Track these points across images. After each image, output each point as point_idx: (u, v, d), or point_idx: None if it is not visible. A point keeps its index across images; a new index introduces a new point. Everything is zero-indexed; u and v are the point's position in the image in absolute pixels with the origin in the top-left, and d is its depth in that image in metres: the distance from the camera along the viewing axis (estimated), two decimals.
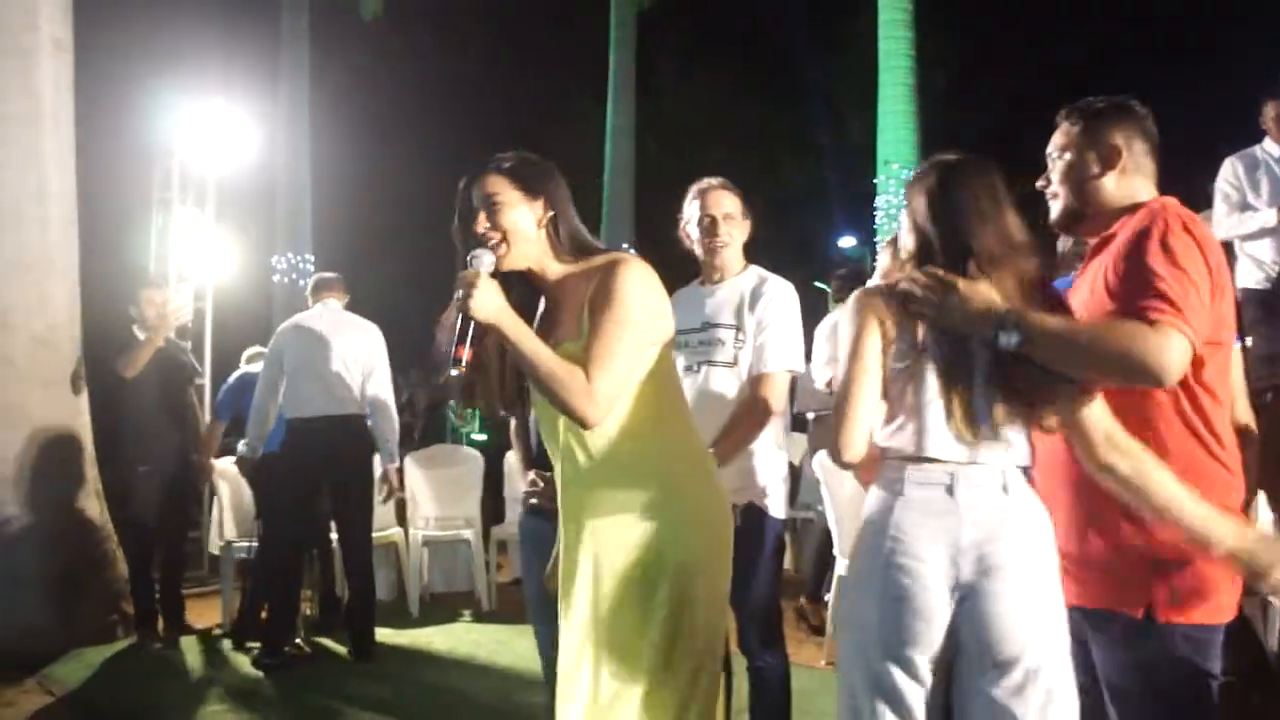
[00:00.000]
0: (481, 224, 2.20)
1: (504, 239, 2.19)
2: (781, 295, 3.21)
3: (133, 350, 5.57)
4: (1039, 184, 2.22)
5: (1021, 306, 1.93)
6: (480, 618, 6.22)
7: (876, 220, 11.94)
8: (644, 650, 2.12)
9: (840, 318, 3.40)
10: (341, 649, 5.44)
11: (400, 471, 5.69)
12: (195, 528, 7.07)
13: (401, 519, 6.56)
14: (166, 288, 6.11)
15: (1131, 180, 2.12)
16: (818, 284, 11.74)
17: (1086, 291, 2.07)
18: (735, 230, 3.25)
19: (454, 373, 2.08)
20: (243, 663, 5.18)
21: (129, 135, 9.70)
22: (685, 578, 2.14)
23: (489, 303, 2.03)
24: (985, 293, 1.95)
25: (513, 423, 4.17)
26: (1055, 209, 2.21)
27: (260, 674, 4.98)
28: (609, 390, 2.06)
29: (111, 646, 5.52)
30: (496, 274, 2.13)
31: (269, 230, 13.88)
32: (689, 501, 2.20)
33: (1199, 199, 4.88)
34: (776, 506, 3.16)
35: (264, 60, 14.36)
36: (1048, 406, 1.95)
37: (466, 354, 2.05)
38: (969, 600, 1.93)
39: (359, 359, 5.34)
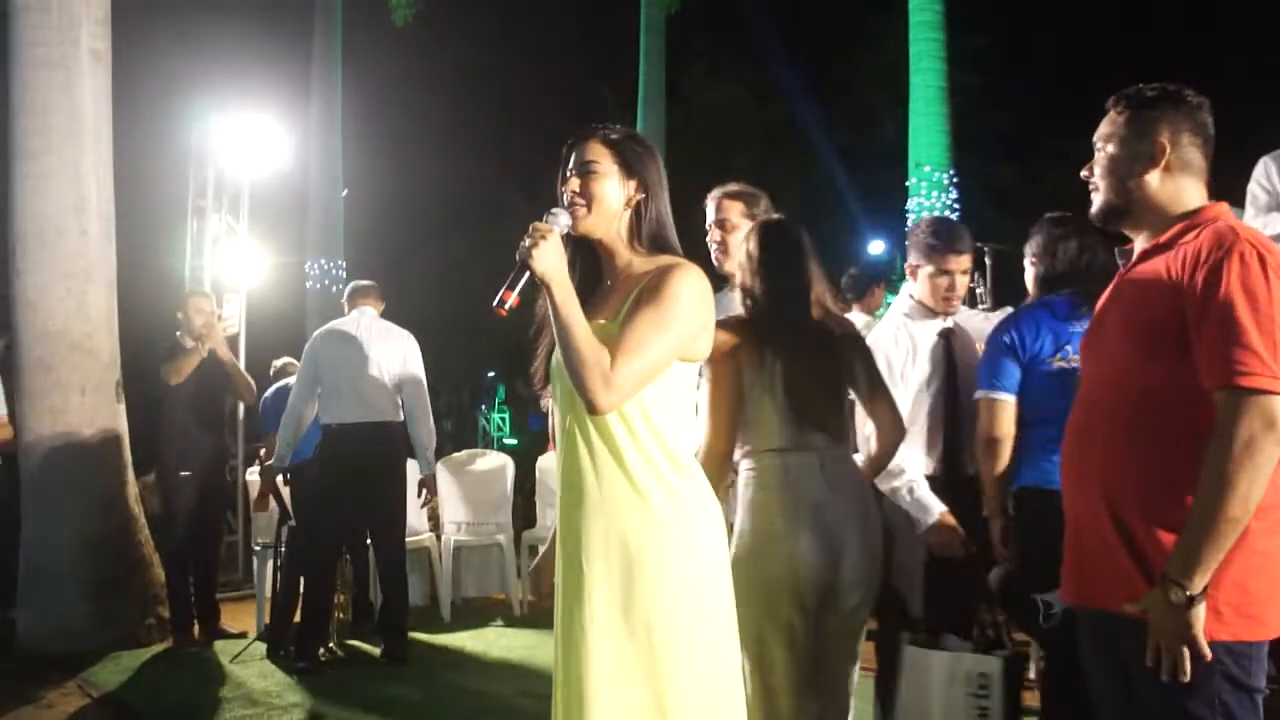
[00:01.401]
0: (572, 185, 2.16)
1: (588, 205, 2.15)
2: None
3: (178, 358, 5.66)
4: (1082, 174, 2.16)
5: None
6: (512, 622, 6.24)
7: (908, 224, 11.87)
8: (645, 666, 2.01)
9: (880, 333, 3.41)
10: (374, 653, 5.48)
11: (434, 477, 5.73)
12: (231, 532, 7.15)
13: (434, 524, 6.60)
14: (212, 297, 6.17)
15: (1177, 179, 2.03)
16: None
17: (1134, 297, 2.02)
18: (734, 236, 3.26)
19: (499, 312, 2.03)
20: (276, 667, 5.23)
21: (164, 144, 9.84)
22: (682, 595, 2.04)
23: (550, 258, 1.98)
24: None
25: (553, 418, 4.21)
26: (1095, 202, 2.13)
27: (293, 678, 5.03)
28: (628, 380, 1.98)
29: (149, 650, 5.61)
30: (569, 238, 2.12)
31: (301, 237, 13.98)
32: (688, 514, 2.08)
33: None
34: None
35: (297, 68, 14.49)
36: None
37: (513, 299, 2.01)
38: None
39: (394, 367, 5.37)
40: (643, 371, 2.00)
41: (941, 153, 11.70)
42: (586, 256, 2.23)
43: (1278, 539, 1.90)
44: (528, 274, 1.99)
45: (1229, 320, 1.83)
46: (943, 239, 3.37)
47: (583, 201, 2.14)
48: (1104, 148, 2.10)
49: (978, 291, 5.68)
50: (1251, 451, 1.79)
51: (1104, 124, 2.12)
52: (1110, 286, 2.17)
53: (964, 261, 3.37)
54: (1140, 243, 2.10)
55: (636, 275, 2.14)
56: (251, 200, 8.13)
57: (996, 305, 5.26)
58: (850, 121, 19.87)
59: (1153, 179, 2.03)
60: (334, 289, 13.86)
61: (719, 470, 2.70)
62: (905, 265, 3.53)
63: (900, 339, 3.36)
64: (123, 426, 6.00)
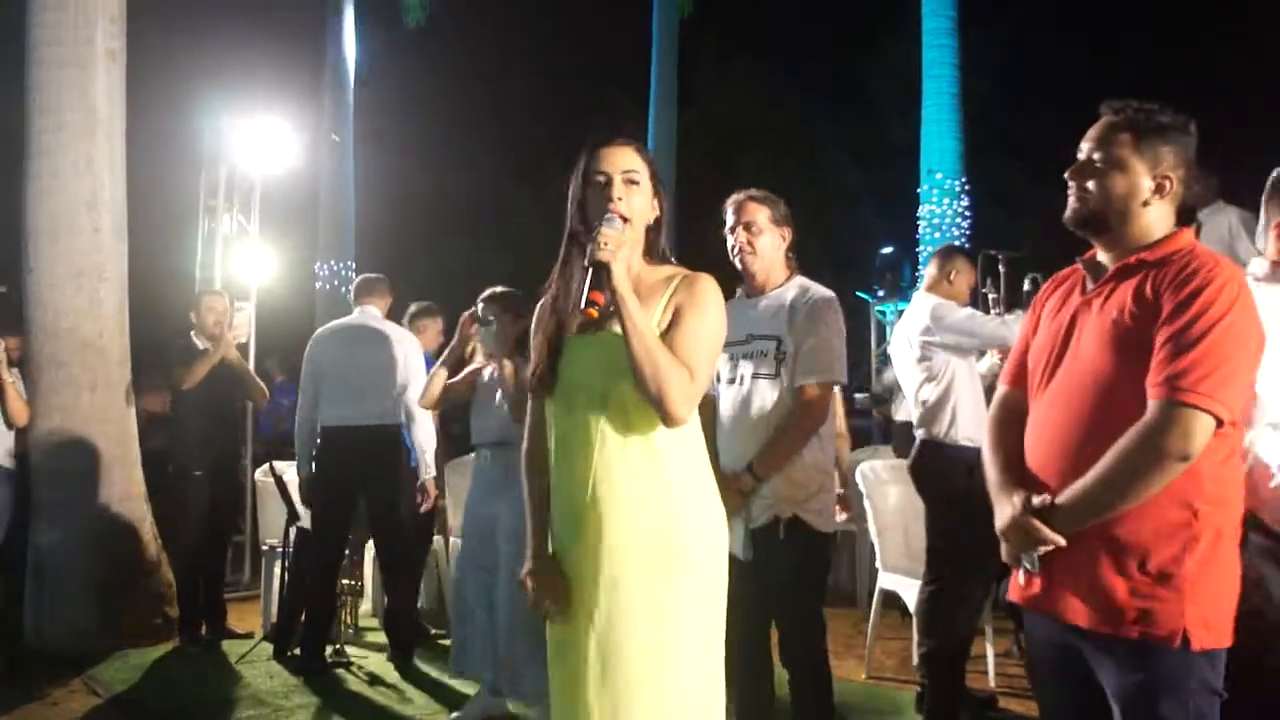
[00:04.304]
0: (619, 190, 2.16)
1: (632, 217, 2.17)
2: (824, 306, 3.19)
3: (192, 363, 5.63)
4: (1068, 175, 2.14)
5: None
6: None
7: (920, 230, 11.84)
8: (643, 646, 2.07)
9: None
10: (380, 655, 5.46)
11: (439, 480, 5.71)
12: (239, 532, 7.15)
13: (441, 527, 6.58)
14: (226, 295, 6.14)
15: (1168, 208, 2.09)
16: (859, 293, 11.66)
17: (1115, 313, 2.03)
18: (760, 240, 3.24)
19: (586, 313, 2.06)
20: (283, 667, 5.22)
21: (176, 143, 9.85)
22: (692, 581, 2.12)
23: (621, 264, 2.06)
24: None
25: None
26: (1079, 208, 2.12)
27: (299, 678, 5.02)
28: (698, 395, 2.09)
29: (157, 649, 5.59)
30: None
31: (312, 237, 14.00)
32: (699, 509, 2.17)
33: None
34: (821, 520, 3.14)
35: (310, 69, 14.52)
36: None
37: (601, 298, 2.04)
38: None
39: (392, 369, 5.31)
40: (704, 384, 2.13)
41: (954, 159, 11.69)
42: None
43: (1235, 549, 2.00)
44: (604, 274, 2.04)
45: (1190, 339, 1.90)
46: None
47: (628, 213, 2.16)
48: (1106, 163, 2.08)
49: (990, 297, 5.65)
50: (1159, 459, 1.89)
51: (1103, 134, 2.10)
52: (1067, 292, 2.20)
53: None
54: (1109, 256, 2.12)
55: (649, 284, 2.19)
56: (263, 200, 8.14)
57: (1009, 311, 5.23)
58: (862, 125, 19.86)
59: (1151, 208, 2.07)
60: (343, 289, 13.88)
61: None
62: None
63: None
64: (133, 425, 5.99)
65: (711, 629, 2.15)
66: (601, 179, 2.17)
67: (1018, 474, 2.14)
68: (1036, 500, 2.03)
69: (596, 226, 2.09)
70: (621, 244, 2.08)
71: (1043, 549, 2.03)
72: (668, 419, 2.05)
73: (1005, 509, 2.10)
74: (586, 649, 2.09)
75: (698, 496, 2.17)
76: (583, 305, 2.04)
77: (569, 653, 2.13)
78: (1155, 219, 2.08)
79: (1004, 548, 2.13)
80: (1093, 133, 2.12)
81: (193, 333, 5.85)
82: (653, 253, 2.25)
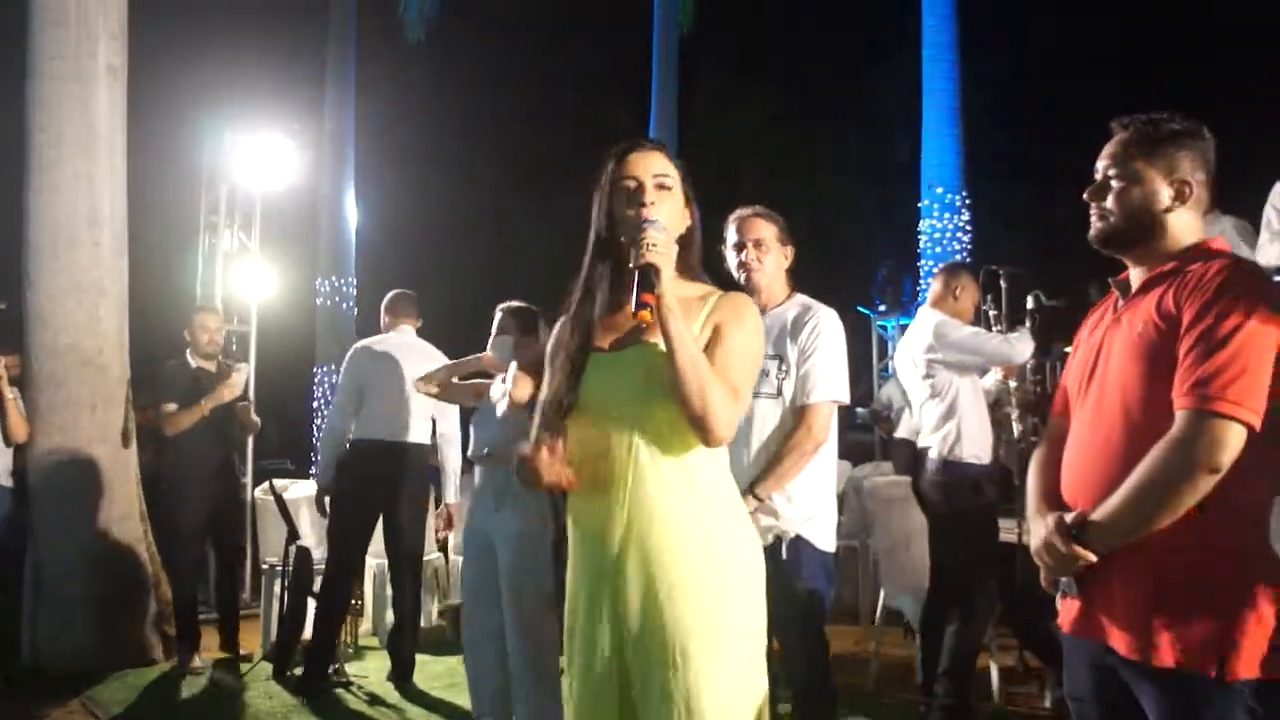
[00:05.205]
0: (652, 196, 2.05)
1: (666, 223, 2.05)
2: (825, 324, 3.17)
3: (181, 413, 5.54)
4: (1087, 196, 2.12)
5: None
6: None
7: (921, 245, 11.84)
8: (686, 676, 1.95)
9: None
10: (379, 674, 5.42)
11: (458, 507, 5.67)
12: (241, 553, 7.09)
13: (443, 544, 6.55)
14: (220, 313, 6.10)
15: (1193, 214, 2.05)
16: (860, 309, 11.64)
17: (1142, 326, 2.00)
18: (768, 257, 3.23)
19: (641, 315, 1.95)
20: (282, 687, 5.17)
21: (177, 159, 9.86)
22: (733, 609, 2.02)
23: (669, 266, 1.97)
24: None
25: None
26: (1102, 227, 2.10)
27: (299, 699, 4.97)
28: (740, 414, 2.02)
29: (155, 668, 5.56)
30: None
31: (313, 254, 14.02)
32: (732, 537, 2.06)
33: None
34: (824, 539, 3.12)
35: (311, 85, 14.57)
36: None
37: (654, 299, 1.93)
38: None
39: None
40: (745, 405, 2.06)
41: (954, 173, 11.69)
42: (614, 272, 2.12)
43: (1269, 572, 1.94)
44: (651, 276, 1.94)
45: (1213, 346, 1.86)
46: None
47: (662, 218, 2.05)
48: (1123, 178, 2.06)
49: (990, 314, 5.63)
50: (1190, 471, 1.84)
51: (1116, 150, 2.08)
52: (1102, 314, 2.17)
53: None
54: (1138, 272, 2.10)
55: (684, 300, 2.05)
56: (263, 217, 8.14)
57: (1011, 328, 5.22)
58: (863, 140, 19.89)
59: (1174, 215, 2.03)
60: (344, 306, 13.90)
61: None
62: None
63: None
64: (132, 444, 5.96)
65: (760, 661, 2.06)
66: (631, 184, 2.06)
67: (1052, 499, 2.10)
68: (1069, 518, 1.97)
69: (642, 228, 1.98)
70: (671, 246, 1.98)
71: (1078, 570, 1.97)
72: (710, 438, 1.95)
73: (1038, 529, 2.05)
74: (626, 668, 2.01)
75: (736, 525, 2.08)
76: (634, 309, 1.92)
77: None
78: (1182, 227, 2.04)
79: (1042, 573, 2.07)
80: (1105, 151, 2.11)
81: (188, 351, 5.76)
82: (685, 266, 2.11)
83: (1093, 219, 2.12)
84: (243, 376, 5.79)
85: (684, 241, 2.11)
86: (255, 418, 6.09)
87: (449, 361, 4.83)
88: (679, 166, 2.13)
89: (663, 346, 1.96)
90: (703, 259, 2.20)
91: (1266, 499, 1.98)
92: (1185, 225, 2.05)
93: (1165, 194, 2.03)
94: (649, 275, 1.92)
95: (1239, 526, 1.90)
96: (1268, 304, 1.89)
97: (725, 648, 1.97)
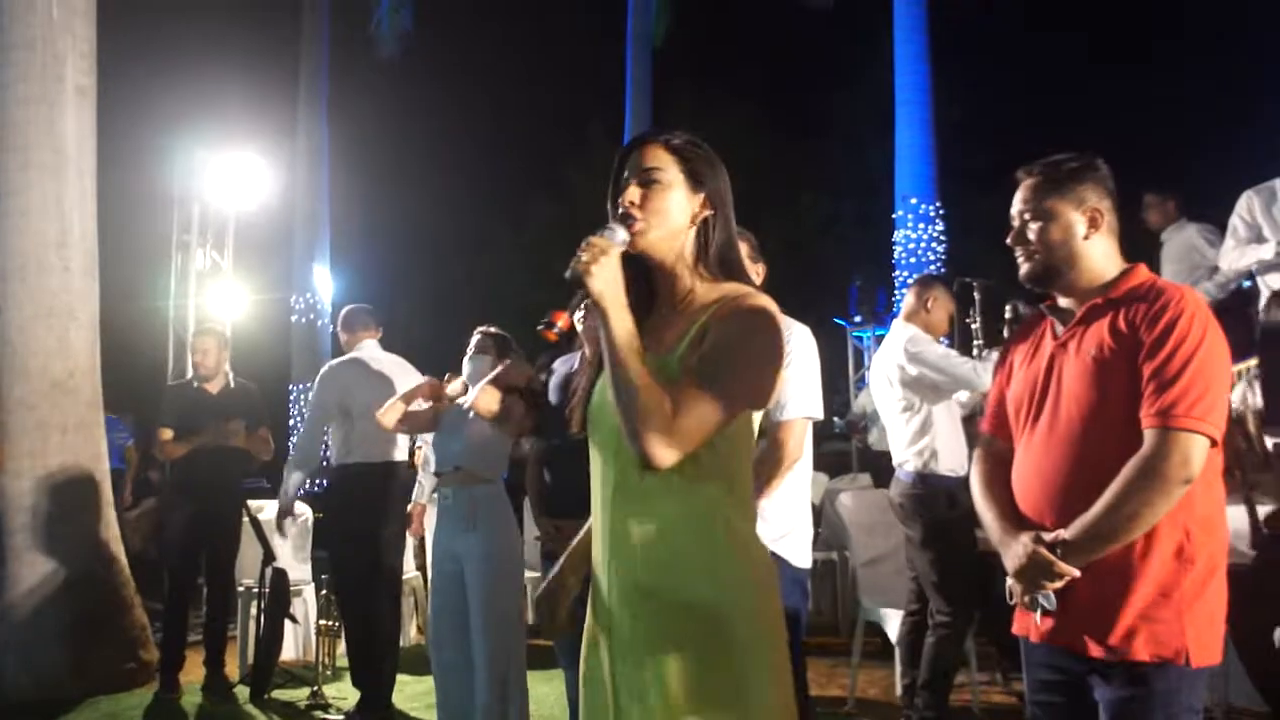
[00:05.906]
0: (630, 195, 1.85)
1: (649, 220, 1.84)
2: (797, 341, 3.15)
3: (174, 443, 5.49)
4: (1010, 242, 2.29)
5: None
6: None
7: (895, 255, 11.90)
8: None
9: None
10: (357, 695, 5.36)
11: (422, 512, 5.66)
12: (228, 578, 7.00)
13: (422, 562, 6.51)
14: (218, 333, 5.95)
15: (1108, 240, 2.23)
16: (836, 319, 11.68)
17: (1092, 350, 2.13)
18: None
19: (545, 331, 1.80)
20: (259, 710, 5.12)
21: (148, 180, 9.78)
22: (752, 644, 1.75)
23: (607, 277, 1.71)
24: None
25: (530, 466, 4.14)
26: (1031, 266, 2.26)
27: None
28: (691, 434, 1.68)
29: (129, 695, 5.47)
30: (628, 256, 1.82)
31: (286, 272, 13.96)
32: (749, 564, 1.81)
33: None
34: (799, 555, 3.11)
35: (283, 103, 14.53)
36: None
37: (564, 320, 1.78)
38: None
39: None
40: (709, 425, 1.70)
41: (928, 184, 11.76)
42: (639, 279, 1.89)
43: (1223, 570, 2.11)
44: (580, 294, 1.74)
45: (1176, 369, 2.01)
46: None
47: (642, 215, 1.84)
48: (1038, 217, 2.23)
49: (972, 327, 5.65)
50: (1164, 485, 1.98)
51: (1028, 195, 2.25)
52: (1036, 339, 2.30)
53: None
54: (1072, 300, 2.25)
55: (700, 304, 1.84)
56: (236, 235, 8.10)
57: (988, 340, 5.24)
58: (837, 152, 19.99)
59: (1091, 243, 2.21)
60: (319, 324, 13.84)
61: None
62: None
63: None
64: (104, 467, 5.90)
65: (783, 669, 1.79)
66: (620, 182, 1.90)
67: (1016, 519, 2.20)
68: (1048, 536, 2.08)
69: (598, 233, 1.79)
70: (606, 253, 1.73)
71: (1057, 585, 2.07)
72: (643, 460, 1.67)
73: (1015, 550, 2.14)
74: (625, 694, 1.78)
75: (746, 565, 1.79)
76: (542, 325, 1.78)
77: None
78: (1101, 253, 2.22)
79: (1016, 591, 2.16)
80: (1017, 198, 2.28)
81: (190, 374, 5.72)
82: (711, 261, 1.90)
83: (1020, 261, 2.28)
84: (241, 425, 5.63)
85: (702, 233, 1.91)
86: (267, 442, 5.87)
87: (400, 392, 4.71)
88: (691, 152, 1.91)
89: (664, 356, 1.78)
90: (733, 254, 1.94)
91: (1222, 504, 2.15)
92: (1104, 251, 2.22)
93: (1081, 225, 2.21)
94: (573, 292, 1.76)
95: (1200, 532, 2.05)
96: (1214, 326, 2.06)
97: (720, 713, 1.71)
